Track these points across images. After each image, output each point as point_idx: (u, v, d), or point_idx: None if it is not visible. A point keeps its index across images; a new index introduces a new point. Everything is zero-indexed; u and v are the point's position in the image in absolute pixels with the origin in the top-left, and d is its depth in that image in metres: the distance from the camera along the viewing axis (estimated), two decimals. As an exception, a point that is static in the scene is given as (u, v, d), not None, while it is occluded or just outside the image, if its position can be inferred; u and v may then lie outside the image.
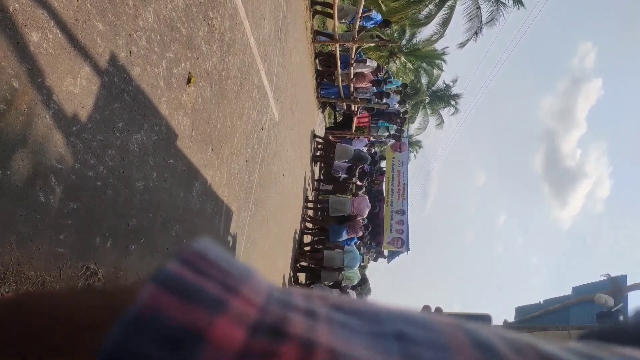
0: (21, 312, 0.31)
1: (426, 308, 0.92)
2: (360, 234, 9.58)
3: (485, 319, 0.87)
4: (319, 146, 11.94)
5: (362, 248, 10.58)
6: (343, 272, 8.97)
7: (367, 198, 9.94)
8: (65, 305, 0.30)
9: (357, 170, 10.75)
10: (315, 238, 10.41)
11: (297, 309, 0.24)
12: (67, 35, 2.09)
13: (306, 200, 10.60)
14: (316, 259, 9.41)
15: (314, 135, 11.54)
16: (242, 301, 0.23)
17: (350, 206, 9.49)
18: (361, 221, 9.62)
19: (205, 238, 0.28)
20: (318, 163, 12.22)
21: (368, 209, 9.73)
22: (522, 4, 18.13)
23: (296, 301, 0.25)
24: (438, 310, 0.91)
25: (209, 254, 0.26)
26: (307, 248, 10.13)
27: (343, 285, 9.11)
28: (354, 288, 9.75)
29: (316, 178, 12.36)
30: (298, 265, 9.53)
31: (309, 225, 10.63)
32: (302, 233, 10.20)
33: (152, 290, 0.21)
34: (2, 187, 1.80)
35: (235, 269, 0.26)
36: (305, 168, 10.50)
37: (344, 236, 9.27)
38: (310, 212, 10.83)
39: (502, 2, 18.02)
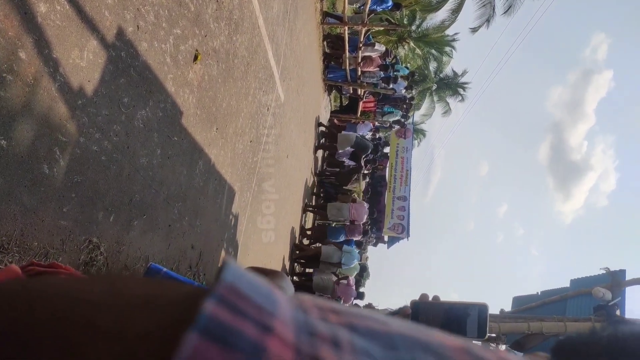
0: (25, 303, 0.28)
1: (424, 296, 0.93)
2: (359, 238, 9.56)
3: (482, 308, 0.88)
4: (325, 130, 11.91)
5: (366, 241, 10.55)
6: (339, 270, 9.03)
7: (365, 205, 9.87)
8: (86, 303, 0.28)
9: (363, 160, 10.71)
10: (315, 234, 10.41)
11: (322, 337, 0.25)
12: (75, 8, 2.07)
13: (308, 187, 10.61)
14: (314, 251, 9.45)
15: (319, 124, 11.49)
16: (278, 342, 0.23)
17: (348, 211, 9.45)
18: (361, 226, 9.60)
19: (230, 260, 0.28)
20: (322, 150, 12.21)
21: (366, 216, 9.67)
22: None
23: (316, 324, 0.26)
24: (435, 298, 0.92)
25: (240, 285, 0.26)
26: (306, 242, 10.15)
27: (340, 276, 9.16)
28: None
29: (319, 162, 12.35)
30: (298, 247, 9.58)
31: (309, 214, 10.64)
32: (302, 219, 10.24)
33: (195, 341, 0.22)
34: (7, 158, 1.80)
35: (264, 297, 0.26)
36: (309, 150, 10.49)
37: (342, 237, 9.29)
38: (312, 203, 10.83)
39: None
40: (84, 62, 2.18)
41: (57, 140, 2.07)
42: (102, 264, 2.49)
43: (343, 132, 11.08)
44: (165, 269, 2.13)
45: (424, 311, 0.90)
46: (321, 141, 11.67)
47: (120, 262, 2.70)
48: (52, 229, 2.09)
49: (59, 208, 2.13)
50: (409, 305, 0.92)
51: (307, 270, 9.83)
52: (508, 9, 18.15)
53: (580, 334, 0.45)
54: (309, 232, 10.39)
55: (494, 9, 18.50)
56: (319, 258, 8.86)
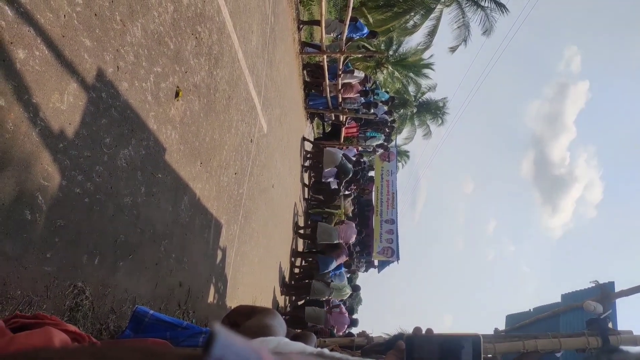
0: None
1: (417, 330, 0.92)
2: (346, 258, 9.66)
3: (475, 339, 0.87)
4: (308, 155, 12.00)
5: (354, 262, 10.62)
6: (333, 289, 9.06)
7: (353, 225, 9.99)
8: None
9: (344, 182, 10.88)
10: (303, 272, 10.48)
11: None
12: (54, 52, 2.08)
13: (296, 214, 10.61)
14: (304, 287, 9.49)
15: (304, 139, 11.59)
16: None
17: (337, 235, 9.56)
18: (346, 248, 9.70)
19: (218, 330, 0.28)
20: (308, 171, 12.27)
21: (355, 235, 9.79)
22: (506, 9, 18.35)
23: None
24: (429, 331, 0.92)
25: (228, 357, 0.26)
26: (297, 272, 10.20)
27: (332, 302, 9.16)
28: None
29: (306, 187, 12.38)
30: (291, 280, 9.61)
31: (299, 250, 10.74)
32: (293, 251, 10.24)
33: None
34: (-12, 206, 1.77)
35: None
36: (294, 179, 10.50)
37: (333, 265, 9.31)
38: (300, 231, 10.89)
39: (484, 7, 18.21)
40: (65, 105, 2.18)
41: (39, 184, 2.05)
42: (87, 309, 2.43)
43: (330, 149, 11.14)
44: (152, 312, 2.09)
45: (419, 346, 0.89)
46: (306, 163, 11.79)
47: (107, 305, 2.64)
48: (35, 275, 2.05)
49: (42, 254, 2.09)
50: (401, 331, 0.91)
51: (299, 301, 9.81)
52: (486, 31, 18.70)
53: None
54: (297, 270, 10.45)
55: (469, 29, 19.06)
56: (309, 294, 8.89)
